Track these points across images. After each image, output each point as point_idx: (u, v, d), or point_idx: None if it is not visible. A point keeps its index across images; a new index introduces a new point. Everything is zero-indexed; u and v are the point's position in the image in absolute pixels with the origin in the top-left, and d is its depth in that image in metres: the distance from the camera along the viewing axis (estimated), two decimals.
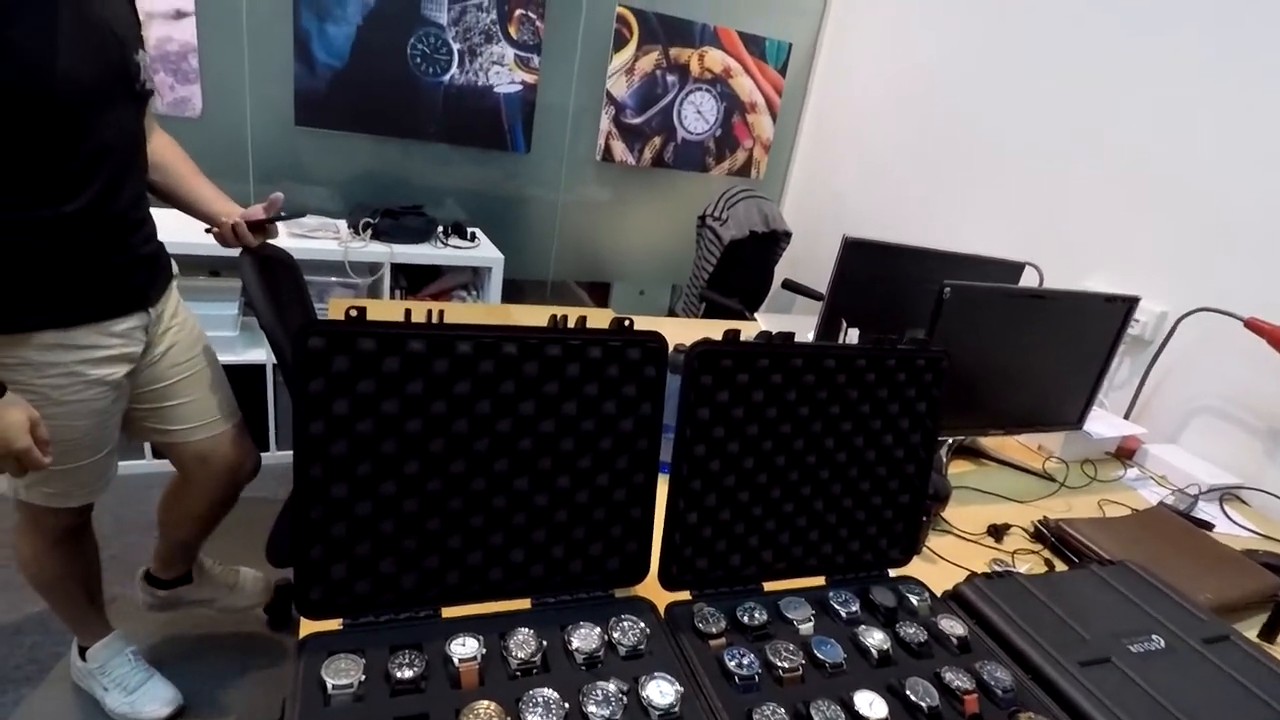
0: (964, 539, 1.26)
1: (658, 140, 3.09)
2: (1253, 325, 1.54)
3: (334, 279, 2.50)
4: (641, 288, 3.47)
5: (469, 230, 2.70)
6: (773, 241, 2.91)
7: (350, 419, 0.73)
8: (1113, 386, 1.92)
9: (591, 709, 0.70)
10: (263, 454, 1.60)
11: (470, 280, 2.84)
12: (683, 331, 0.85)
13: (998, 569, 1.12)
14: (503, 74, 2.72)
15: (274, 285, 1.39)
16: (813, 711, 0.74)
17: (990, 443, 1.64)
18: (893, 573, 1.01)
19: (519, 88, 2.76)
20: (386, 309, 1.08)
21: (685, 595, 0.89)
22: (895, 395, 0.95)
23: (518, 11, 2.66)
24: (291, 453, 0.73)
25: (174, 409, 1.39)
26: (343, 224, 2.52)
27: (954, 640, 0.89)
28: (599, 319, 0.81)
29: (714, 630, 0.84)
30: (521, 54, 2.72)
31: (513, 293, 2.97)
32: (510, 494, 0.81)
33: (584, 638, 0.79)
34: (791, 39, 3.16)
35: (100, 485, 1.32)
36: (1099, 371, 1.56)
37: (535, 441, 0.81)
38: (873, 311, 1.61)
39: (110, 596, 1.58)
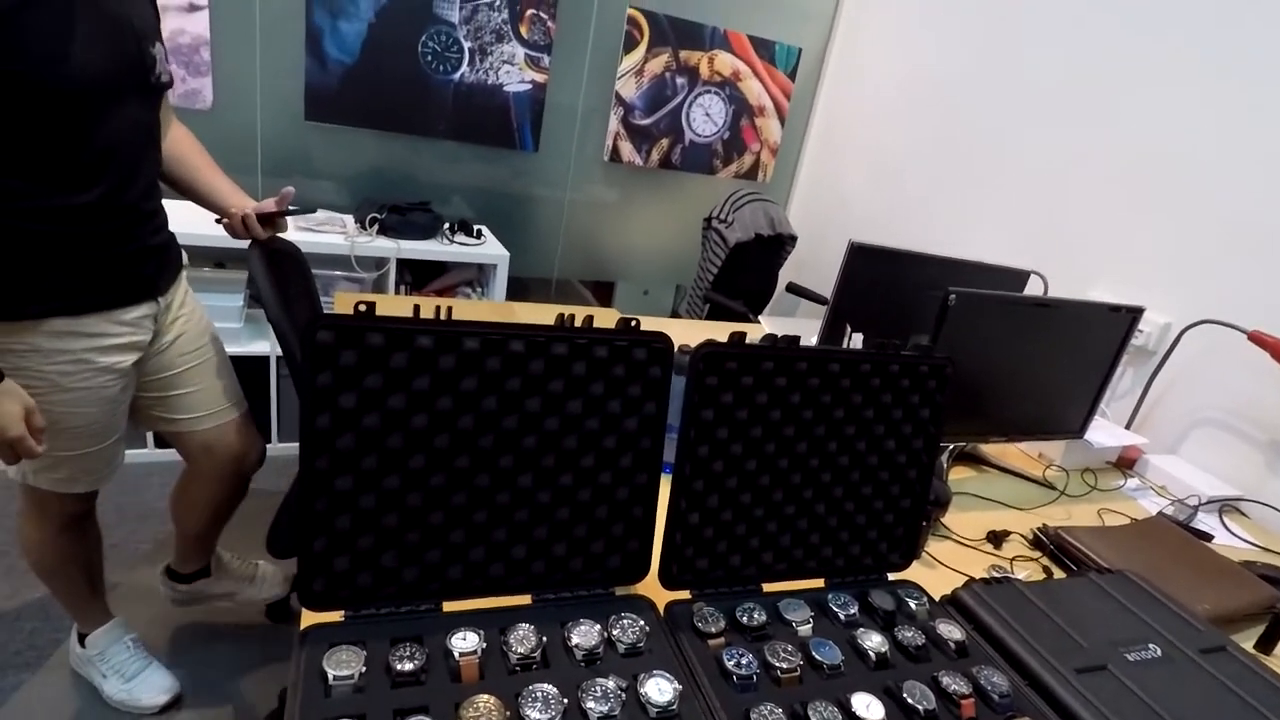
0: (963, 545, 1.26)
1: (665, 142, 3.10)
2: (1256, 338, 1.55)
3: (339, 273, 2.50)
4: (646, 288, 3.47)
5: (475, 227, 2.71)
6: (778, 245, 2.91)
7: (357, 413, 0.74)
8: (1115, 396, 1.92)
9: (590, 705, 0.71)
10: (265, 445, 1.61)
11: (475, 277, 2.84)
12: (687, 333, 0.86)
13: (996, 575, 1.12)
14: (513, 73, 2.72)
15: (281, 278, 1.40)
16: (810, 712, 0.74)
17: (991, 450, 1.64)
18: (892, 577, 1.02)
19: (529, 87, 2.77)
20: (395, 304, 1.09)
21: (685, 595, 0.90)
22: (899, 400, 0.96)
23: (529, 11, 2.66)
24: (294, 444, 0.74)
25: (181, 398, 1.40)
26: (350, 219, 2.53)
27: (952, 645, 0.89)
28: (605, 319, 0.81)
29: (713, 630, 0.84)
30: (532, 53, 2.72)
31: (517, 290, 2.98)
32: (513, 490, 0.82)
33: (584, 634, 0.79)
34: (801, 44, 3.17)
35: (107, 472, 1.33)
36: (1102, 381, 1.56)
37: (539, 439, 0.81)
38: (877, 317, 1.61)
39: (110, 584, 1.59)
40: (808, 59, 3.22)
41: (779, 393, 0.89)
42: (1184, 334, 1.73)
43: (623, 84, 2.93)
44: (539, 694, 0.71)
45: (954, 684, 0.82)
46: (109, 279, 1.19)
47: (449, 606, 0.81)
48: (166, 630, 1.77)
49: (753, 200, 2.80)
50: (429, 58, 2.60)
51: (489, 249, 2.66)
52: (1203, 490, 1.60)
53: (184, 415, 1.42)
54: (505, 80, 2.72)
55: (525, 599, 0.84)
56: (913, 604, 0.95)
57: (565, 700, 0.71)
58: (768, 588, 0.94)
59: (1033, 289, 1.86)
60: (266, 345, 2.37)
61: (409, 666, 0.72)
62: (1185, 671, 0.91)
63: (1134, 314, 1.51)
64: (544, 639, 0.78)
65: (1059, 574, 1.23)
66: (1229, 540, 1.48)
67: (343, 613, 0.78)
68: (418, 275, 2.75)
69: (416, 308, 0.75)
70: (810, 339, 1.81)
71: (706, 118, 3.13)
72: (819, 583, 0.97)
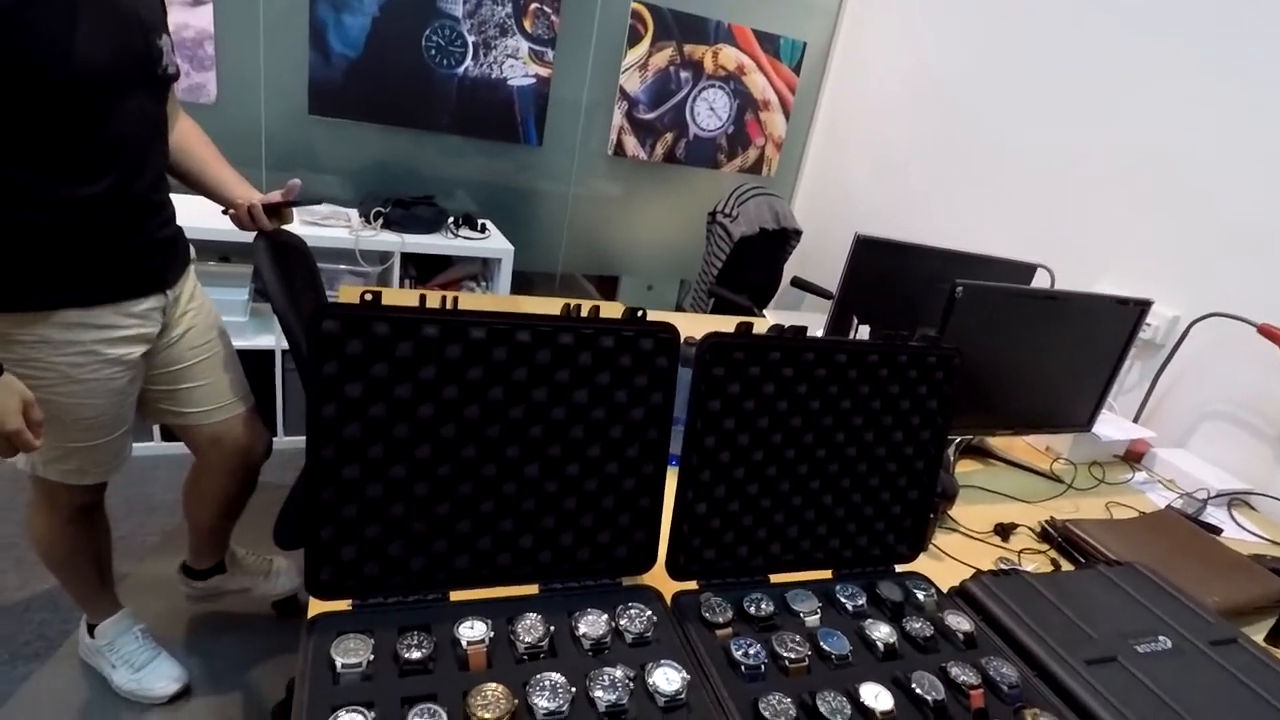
0: (970, 537, 1.25)
1: (670, 136, 3.09)
2: (1265, 331, 1.54)
3: (344, 267, 2.50)
4: (650, 282, 3.47)
5: (479, 221, 2.71)
6: (783, 239, 2.90)
7: (363, 402, 0.74)
8: (1122, 390, 1.91)
9: (598, 694, 0.71)
10: (271, 438, 1.61)
11: (480, 271, 2.84)
12: (692, 326, 0.85)
13: (1004, 567, 1.12)
14: (516, 67, 2.72)
15: (287, 271, 1.40)
16: (818, 702, 0.74)
17: (998, 443, 1.63)
18: (899, 569, 1.02)
19: (532, 81, 2.76)
20: (401, 296, 1.08)
21: (692, 585, 0.90)
22: (906, 391, 0.95)
23: (533, 5, 2.66)
24: (300, 438, 0.74)
25: (189, 391, 1.40)
26: (354, 213, 2.53)
27: (960, 636, 0.89)
28: (611, 311, 0.81)
29: (720, 620, 0.84)
30: (536, 47, 2.72)
31: (522, 285, 2.98)
32: (520, 480, 0.81)
33: (591, 624, 0.79)
34: (806, 38, 3.16)
35: (115, 464, 1.34)
36: (1109, 374, 1.55)
37: (546, 429, 0.81)
38: (883, 309, 1.61)
39: (118, 575, 1.60)
40: (812, 53, 3.20)
41: (786, 383, 0.88)
42: (1192, 327, 1.72)
43: (627, 78, 2.92)
44: (547, 683, 0.71)
45: (963, 675, 0.81)
46: (118, 271, 1.20)
47: (456, 596, 0.81)
48: (175, 621, 1.78)
49: (757, 194, 2.79)
50: (433, 52, 2.59)
51: (493, 243, 2.66)
52: (1211, 484, 1.59)
53: (192, 409, 1.42)
54: (509, 74, 2.72)
55: (532, 589, 0.84)
56: (921, 595, 0.95)
57: (573, 689, 0.71)
58: (775, 579, 0.94)
59: (1039, 282, 1.85)
60: (271, 339, 2.37)
61: (417, 655, 0.72)
62: (1196, 663, 0.90)
63: (1142, 307, 1.50)
64: (551, 628, 0.78)
65: (1067, 567, 1.22)
66: (1238, 534, 1.47)
67: (350, 602, 0.78)
68: (422, 269, 2.75)
69: (423, 297, 0.75)
70: (816, 332, 1.80)
71: (711, 112, 3.12)
72: (826, 574, 0.97)
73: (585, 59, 2.85)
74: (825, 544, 0.97)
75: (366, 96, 2.56)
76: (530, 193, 2.99)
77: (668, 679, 0.74)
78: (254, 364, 2.25)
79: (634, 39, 2.87)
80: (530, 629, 0.77)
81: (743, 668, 0.78)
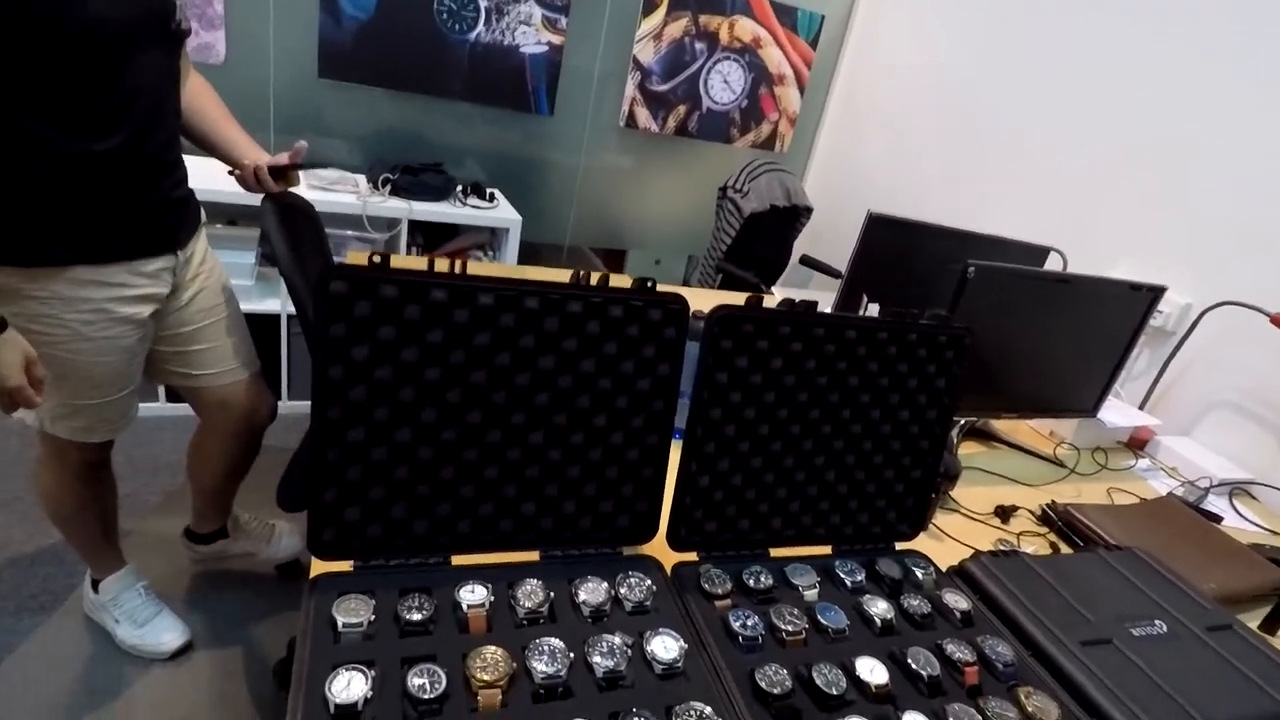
0: (971, 518, 1.26)
1: (682, 109, 3.05)
2: (1279, 321, 1.52)
3: (351, 233, 2.49)
4: (658, 257, 3.45)
5: (488, 190, 2.69)
6: (793, 216, 2.88)
7: (369, 365, 0.74)
8: (1130, 377, 1.90)
9: (596, 659, 0.71)
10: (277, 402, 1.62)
11: (487, 241, 2.83)
12: (700, 300, 0.84)
13: (1004, 549, 1.12)
14: (529, 34, 2.68)
15: (295, 234, 1.39)
16: (814, 674, 0.75)
17: (1002, 426, 1.63)
18: (899, 547, 1.02)
19: (545, 49, 2.72)
20: (409, 263, 1.08)
21: (692, 557, 0.90)
22: (915, 370, 0.95)
23: None
24: (305, 402, 0.74)
25: (198, 354, 1.41)
26: (362, 178, 2.51)
27: (957, 614, 0.89)
28: (620, 282, 0.80)
29: (720, 591, 0.84)
30: (549, 14, 2.67)
31: (529, 255, 2.96)
32: (524, 447, 0.82)
33: (591, 591, 0.80)
34: (824, 11, 3.10)
35: (122, 423, 1.35)
36: (1118, 360, 1.54)
37: (552, 397, 0.81)
38: (893, 288, 1.60)
39: (122, 533, 1.62)
40: (830, 27, 3.15)
41: (794, 358, 0.88)
42: (1204, 315, 1.71)
43: (641, 48, 2.88)
44: (545, 647, 0.71)
45: (958, 652, 0.82)
46: (130, 229, 1.20)
47: (458, 560, 0.82)
48: (178, 579, 1.80)
49: (769, 170, 2.76)
50: (444, 16, 2.55)
51: (501, 212, 2.64)
52: (1213, 473, 1.59)
53: (199, 371, 1.43)
54: (521, 41, 2.68)
55: (533, 555, 0.85)
56: (919, 573, 0.96)
57: (571, 654, 0.71)
58: (775, 553, 0.94)
59: (1052, 266, 1.83)
60: (278, 303, 2.37)
61: (418, 617, 0.72)
62: (1190, 648, 0.91)
63: (1155, 293, 1.49)
64: (551, 594, 0.78)
65: (1066, 550, 1.22)
66: (1238, 523, 1.47)
67: (352, 563, 0.78)
68: (429, 237, 2.73)
69: (431, 261, 0.74)
70: (824, 310, 1.79)
71: (725, 85, 3.08)
72: (826, 550, 0.98)
73: (599, 27, 2.80)
74: (826, 520, 0.97)
75: (377, 60, 2.53)
76: (540, 163, 2.97)
77: (665, 647, 0.74)
78: (259, 328, 2.24)
79: (649, 8, 2.82)
80: (530, 594, 0.78)
81: (740, 638, 0.78)
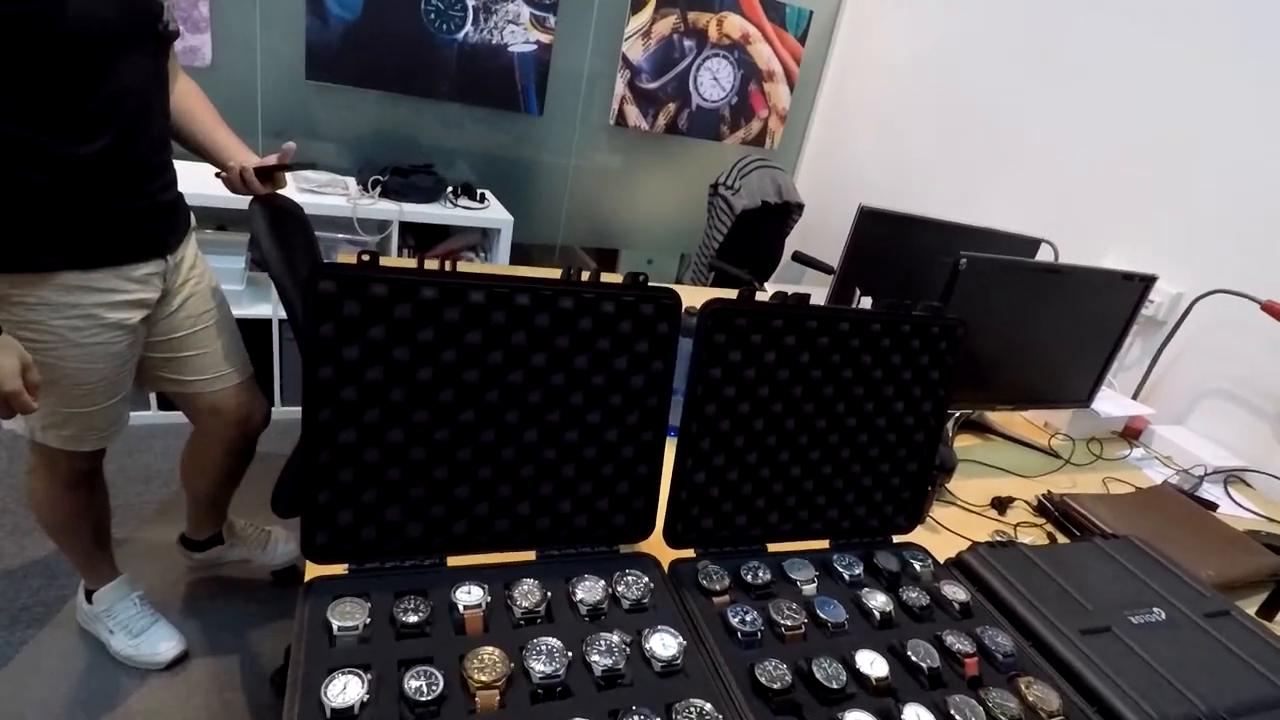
0: (968, 510, 1.26)
1: (672, 106, 3.05)
2: (1270, 308, 1.53)
3: (341, 235, 2.48)
4: (650, 256, 3.44)
5: (479, 191, 2.68)
6: (785, 213, 2.87)
7: (360, 365, 0.73)
8: (1123, 366, 1.91)
9: (595, 658, 0.71)
10: (270, 408, 1.61)
11: (479, 242, 2.82)
12: (693, 297, 0.84)
13: (1001, 540, 1.12)
14: (518, 33, 2.67)
15: (284, 237, 1.38)
16: (814, 668, 0.74)
17: (997, 418, 1.63)
18: (896, 539, 1.02)
19: (533, 48, 2.71)
20: (399, 264, 1.08)
21: (689, 553, 0.90)
22: (909, 362, 0.95)
23: None
24: (297, 408, 0.73)
25: (189, 360, 1.40)
26: (352, 181, 2.50)
27: (956, 605, 0.89)
28: (612, 278, 0.80)
29: (718, 587, 0.84)
30: (537, 13, 2.67)
31: (521, 256, 2.96)
32: (519, 446, 0.81)
33: (588, 590, 0.79)
34: (813, 7, 3.10)
35: (113, 431, 1.34)
36: (1111, 350, 1.54)
37: (545, 394, 0.81)
38: (886, 282, 1.60)
39: (117, 542, 1.60)
40: (819, 23, 3.15)
41: (787, 351, 0.88)
42: (1196, 304, 1.71)
43: (629, 46, 2.87)
44: (543, 647, 0.71)
45: (958, 643, 0.82)
46: (119, 234, 1.19)
47: (453, 561, 0.81)
48: (173, 588, 1.79)
49: (760, 167, 2.76)
50: (432, 16, 2.54)
51: (492, 213, 2.63)
52: (1208, 461, 1.60)
53: (191, 377, 1.42)
54: (510, 40, 2.67)
55: (530, 555, 0.84)
56: (917, 565, 0.95)
57: (569, 654, 0.71)
58: (772, 548, 0.94)
59: (1043, 257, 1.84)
60: (268, 308, 2.36)
61: (414, 619, 0.72)
62: (1188, 635, 0.91)
63: (1146, 282, 1.49)
64: (548, 594, 0.78)
65: (1063, 540, 1.23)
66: (1233, 510, 1.47)
67: (347, 566, 0.78)
68: (420, 239, 2.72)
69: (421, 259, 0.74)
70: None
71: (714, 82, 3.07)
72: (824, 544, 0.97)
73: (587, 25, 2.80)
74: (823, 514, 0.97)
75: (364, 62, 2.52)
76: (530, 163, 2.96)
77: (664, 644, 0.74)
78: (251, 333, 2.22)
79: (637, 5, 2.81)
80: (527, 594, 0.77)
81: (739, 634, 0.78)
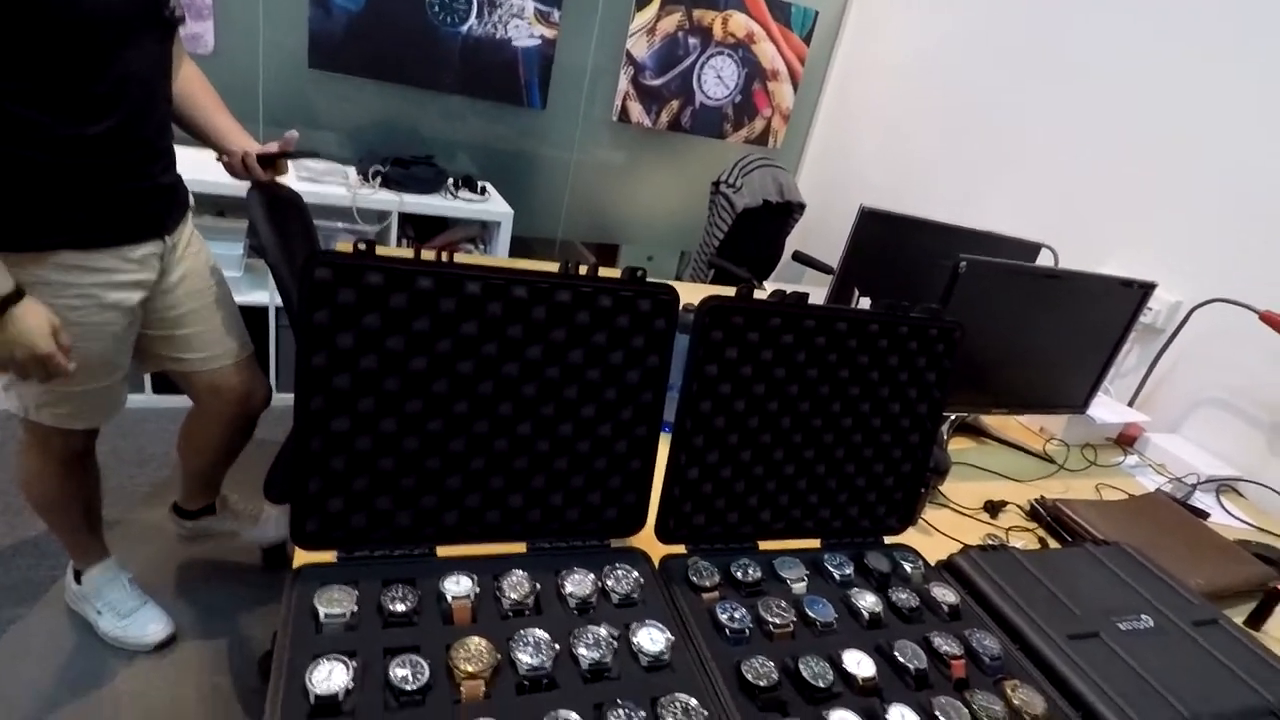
0: (960, 513, 1.26)
1: (676, 104, 3.04)
2: (1268, 318, 1.53)
3: (341, 225, 2.47)
4: (650, 252, 3.44)
5: (479, 184, 2.67)
6: (786, 212, 2.87)
7: (354, 353, 0.73)
8: (1119, 373, 1.91)
9: (582, 651, 0.71)
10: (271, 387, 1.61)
11: (479, 234, 2.81)
12: (692, 294, 0.84)
13: (992, 543, 1.12)
14: (522, 27, 2.66)
15: (282, 224, 1.38)
16: (801, 666, 0.74)
17: (992, 422, 1.63)
18: (888, 540, 1.02)
19: (538, 42, 2.70)
20: (397, 253, 1.08)
21: (680, 549, 0.90)
22: (905, 363, 0.94)
23: None
24: (292, 395, 0.73)
25: (188, 337, 1.40)
26: (352, 170, 2.49)
27: (945, 608, 0.89)
28: (610, 273, 0.80)
29: (707, 584, 0.84)
30: (542, 7, 2.66)
31: (520, 250, 2.95)
32: (512, 438, 0.81)
33: (578, 583, 0.79)
34: (818, 7, 3.09)
35: (109, 410, 1.34)
36: (1108, 357, 1.54)
37: (540, 387, 0.80)
38: (885, 283, 1.59)
39: (107, 524, 1.60)
40: (824, 23, 3.14)
41: (784, 350, 0.88)
42: (1194, 312, 1.71)
43: (634, 42, 2.87)
44: (531, 639, 0.70)
45: (945, 645, 0.82)
46: (119, 215, 1.19)
47: (443, 551, 0.81)
48: (162, 571, 1.79)
49: (762, 166, 2.76)
50: (436, 8, 2.53)
51: (493, 206, 2.63)
52: (1201, 469, 1.60)
53: (192, 355, 1.42)
54: (514, 34, 2.66)
55: (520, 547, 0.84)
56: (908, 567, 0.95)
57: (557, 646, 0.71)
58: (763, 546, 0.94)
59: (1043, 262, 1.84)
60: (266, 295, 2.35)
61: (401, 608, 0.71)
62: (1176, 642, 0.91)
63: (1146, 289, 1.49)
64: (537, 586, 0.78)
65: (1054, 545, 1.23)
66: (1225, 519, 1.48)
67: (335, 554, 0.78)
68: (420, 231, 2.72)
69: (418, 249, 0.74)
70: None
71: (718, 80, 3.07)
72: (815, 543, 0.97)
73: (592, 21, 2.79)
74: (815, 513, 0.97)
75: (367, 52, 2.51)
76: (532, 157, 2.95)
77: (652, 639, 0.74)
78: (248, 320, 2.21)
79: (642, 2, 2.81)
80: (516, 586, 0.77)
81: (727, 630, 0.78)
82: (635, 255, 3.40)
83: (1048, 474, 1.49)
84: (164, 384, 2.32)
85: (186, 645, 1.63)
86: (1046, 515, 1.28)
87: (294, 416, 0.73)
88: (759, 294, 0.85)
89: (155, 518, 1.88)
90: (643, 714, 0.66)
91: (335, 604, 0.70)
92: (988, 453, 1.54)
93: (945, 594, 0.91)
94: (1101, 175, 2.07)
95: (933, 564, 0.99)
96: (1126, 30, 2.03)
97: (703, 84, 3.05)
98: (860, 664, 0.77)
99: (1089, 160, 2.10)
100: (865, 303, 1.59)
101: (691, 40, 2.95)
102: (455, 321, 0.75)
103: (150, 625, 1.58)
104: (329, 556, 0.77)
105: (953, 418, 1.55)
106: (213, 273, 1.44)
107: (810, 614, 0.82)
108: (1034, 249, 1.76)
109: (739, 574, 0.86)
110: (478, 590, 0.76)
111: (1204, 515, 1.43)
